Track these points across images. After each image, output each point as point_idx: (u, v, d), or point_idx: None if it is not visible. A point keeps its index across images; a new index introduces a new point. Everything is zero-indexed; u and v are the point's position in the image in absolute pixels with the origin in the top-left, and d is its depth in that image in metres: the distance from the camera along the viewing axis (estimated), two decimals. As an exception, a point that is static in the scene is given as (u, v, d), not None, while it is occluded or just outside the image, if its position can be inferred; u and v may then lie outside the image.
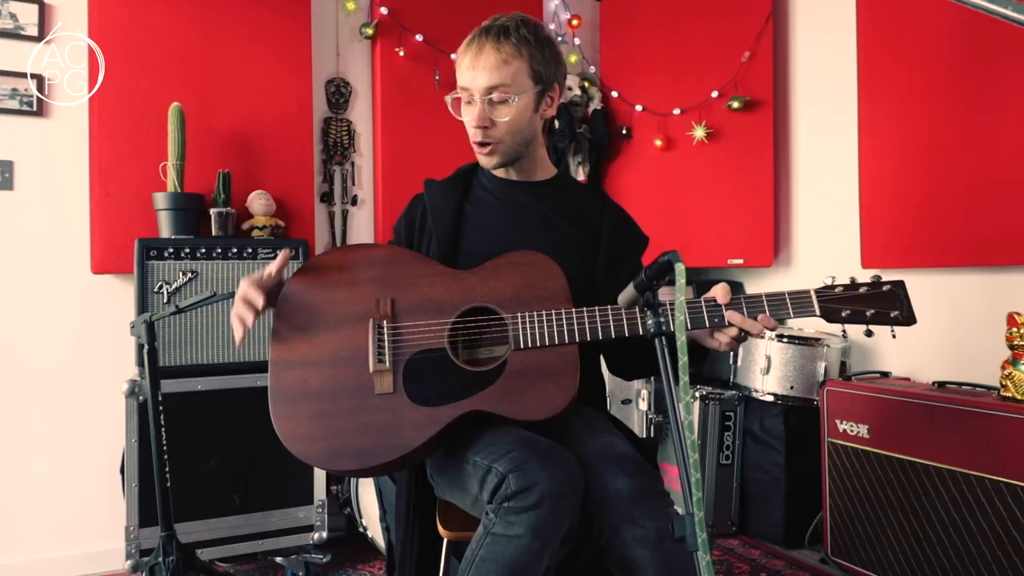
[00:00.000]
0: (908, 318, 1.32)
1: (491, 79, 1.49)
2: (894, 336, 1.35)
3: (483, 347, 1.46)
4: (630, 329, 1.37)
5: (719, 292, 1.35)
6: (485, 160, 1.58)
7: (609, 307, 1.38)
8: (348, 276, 1.48)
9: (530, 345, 1.39)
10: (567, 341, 1.38)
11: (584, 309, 1.39)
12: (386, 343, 1.42)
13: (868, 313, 1.32)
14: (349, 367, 1.41)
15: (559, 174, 1.71)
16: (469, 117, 1.54)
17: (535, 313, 1.40)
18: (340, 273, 1.49)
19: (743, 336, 1.36)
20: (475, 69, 1.50)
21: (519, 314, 1.40)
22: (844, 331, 1.38)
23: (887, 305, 1.32)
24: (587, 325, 1.38)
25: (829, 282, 1.35)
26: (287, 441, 1.38)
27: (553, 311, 1.39)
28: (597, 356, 1.69)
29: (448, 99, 1.57)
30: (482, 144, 1.55)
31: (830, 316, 1.33)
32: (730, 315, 1.34)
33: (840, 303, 1.33)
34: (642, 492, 1.32)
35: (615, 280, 1.51)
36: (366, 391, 1.39)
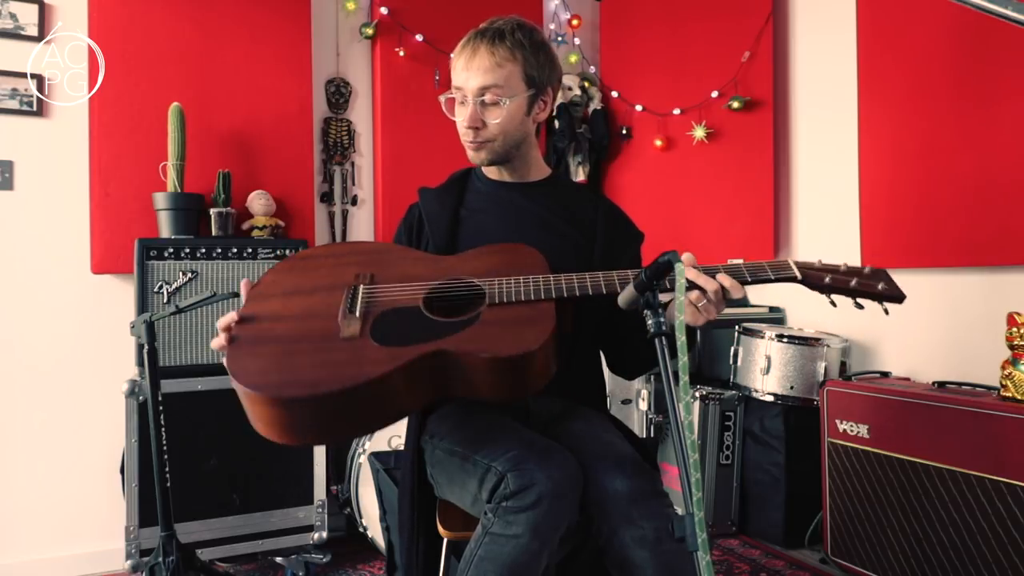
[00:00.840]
0: (897, 295, 1.32)
1: (484, 80, 1.51)
2: (887, 312, 1.33)
3: (460, 307, 1.43)
4: (608, 288, 1.36)
5: (685, 257, 1.31)
6: (474, 156, 1.60)
7: (588, 274, 1.38)
8: (331, 260, 1.51)
9: (505, 301, 1.35)
10: (543, 297, 1.36)
11: (561, 275, 1.38)
12: (359, 298, 1.38)
13: (851, 283, 1.32)
14: (317, 320, 1.35)
15: (553, 174, 1.72)
16: (461, 117, 1.56)
17: (511, 278, 1.38)
18: (323, 259, 1.52)
19: (708, 302, 1.30)
20: (469, 70, 1.52)
21: (495, 279, 1.39)
22: (832, 301, 1.35)
23: (872, 281, 1.33)
24: (564, 284, 1.37)
25: (811, 261, 1.37)
26: (236, 374, 1.25)
27: (531, 276, 1.38)
28: (597, 355, 1.68)
29: (442, 99, 1.59)
30: (471, 142, 1.57)
31: (810, 280, 1.33)
32: (687, 272, 1.29)
33: (821, 271, 1.34)
34: (640, 493, 1.31)
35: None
36: (331, 337, 1.31)
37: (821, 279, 1.33)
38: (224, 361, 1.28)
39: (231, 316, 1.34)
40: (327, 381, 1.21)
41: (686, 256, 1.31)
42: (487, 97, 1.52)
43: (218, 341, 1.33)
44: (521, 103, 1.55)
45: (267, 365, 1.27)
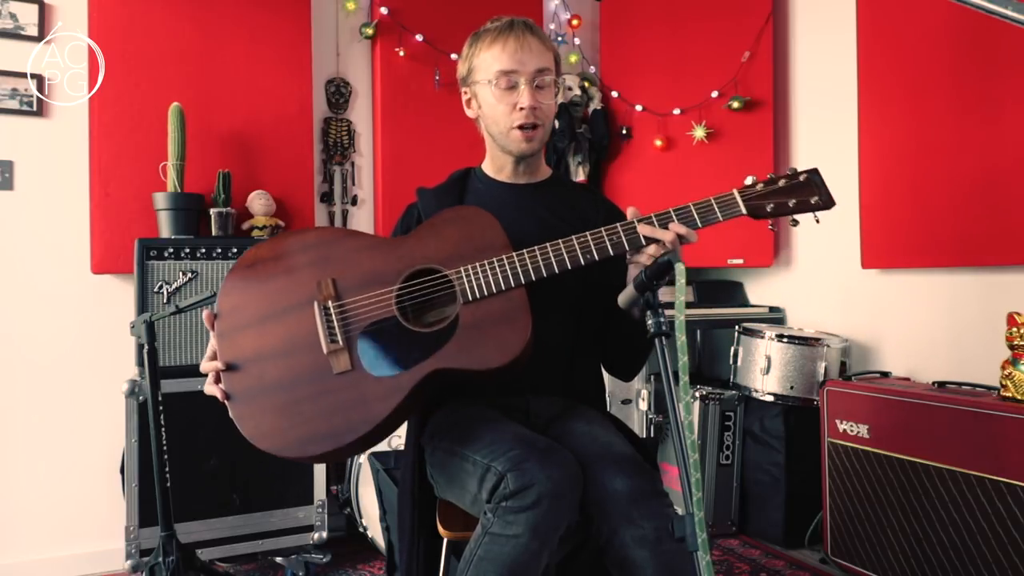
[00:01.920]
0: (827, 201, 1.38)
1: (541, 62, 1.53)
2: (817, 221, 1.40)
3: (433, 308, 1.46)
4: (571, 261, 1.38)
5: (629, 212, 1.39)
6: (526, 146, 1.57)
7: (548, 244, 1.40)
8: (283, 264, 1.47)
9: (478, 296, 1.39)
10: (513, 285, 1.38)
11: (524, 251, 1.40)
12: (335, 322, 1.40)
13: (791, 203, 1.38)
14: (303, 353, 1.39)
15: (554, 175, 1.72)
16: (513, 100, 1.54)
17: (477, 264, 1.40)
18: (275, 263, 1.47)
19: (667, 252, 1.34)
20: (525, 52, 1.52)
21: (462, 268, 1.40)
22: (772, 224, 1.44)
23: (807, 192, 1.38)
24: (529, 265, 1.39)
25: (749, 182, 1.41)
26: (255, 439, 1.35)
27: (495, 259, 1.40)
28: (596, 355, 1.68)
29: (491, 87, 1.54)
30: (531, 127, 1.55)
31: (755, 212, 1.38)
32: (640, 228, 1.36)
33: (763, 198, 1.38)
34: (640, 492, 1.31)
35: (608, 276, 1.52)
36: (325, 373, 1.38)
37: (763, 208, 1.38)
38: (232, 416, 1.38)
39: (213, 365, 1.40)
40: (343, 431, 1.34)
41: (630, 210, 1.38)
42: (540, 80, 1.53)
43: (211, 389, 1.40)
44: (556, 89, 1.59)
45: (278, 421, 1.36)
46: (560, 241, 1.39)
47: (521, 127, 1.54)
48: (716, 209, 1.39)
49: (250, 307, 1.43)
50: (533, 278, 1.39)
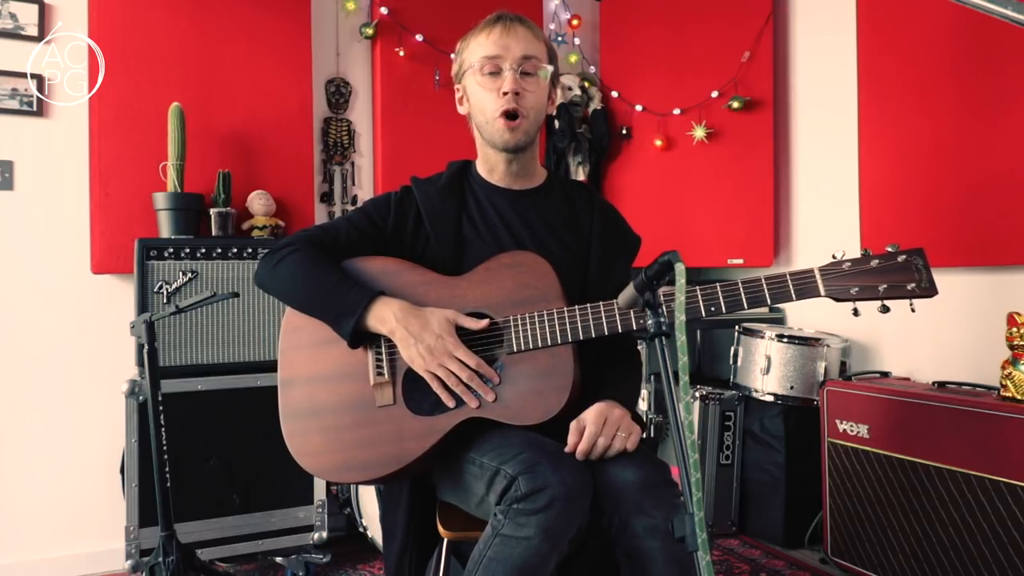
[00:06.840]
0: (928, 289, 1.22)
1: (527, 49, 1.50)
2: (913, 310, 1.25)
3: (479, 349, 1.46)
4: (623, 325, 1.36)
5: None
6: (509, 136, 1.51)
7: (601, 304, 1.38)
8: None
9: (523, 348, 1.40)
10: (560, 341, 1.38)
11: (576, 308, 1.39)
12: (384, 357, 1.45)
13: (881, 288, 1.24)
14: (351, 382, 1.45)
15: (550, 177, 1.67)
16: (496, 86, 1.50)
17: (527, 315, 1.40)
18: None
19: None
20: (510, 37, 1.50)
21: (511, 317, 1.41)
22: (855, 309, 1.25)
23: (903, 277, 1.24)
24: (579, 324, 1.38)
25: (839, 256, 1.27)
26: (299, 456, 1.44)
27: (545, 312, 1.40)
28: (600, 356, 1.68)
29: (476, 74, 1.52)
30: (512, 115, 1.50)
31: (837, 296, 1.26)
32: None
33: (847, 280, 1.26)
34: (651, 482, 1.32)
35: (605, 284, 1.52)
36: (368, 404, 1.43)
37: (847, 291, 1.26)
38: (282, 432, 1.47)
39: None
40: (376, 464, 1.40)
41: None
42: (527, 66, 1.50)
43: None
44: (547, 82, 1.55)
45: (322, 444, 1.44)
46: (615, 303, 1.36)
47: (505, 114, 1.49)
48: (791, 288, 1.26)
49: (308, 329, 1.48)
50: (582, 337, 1.37)
